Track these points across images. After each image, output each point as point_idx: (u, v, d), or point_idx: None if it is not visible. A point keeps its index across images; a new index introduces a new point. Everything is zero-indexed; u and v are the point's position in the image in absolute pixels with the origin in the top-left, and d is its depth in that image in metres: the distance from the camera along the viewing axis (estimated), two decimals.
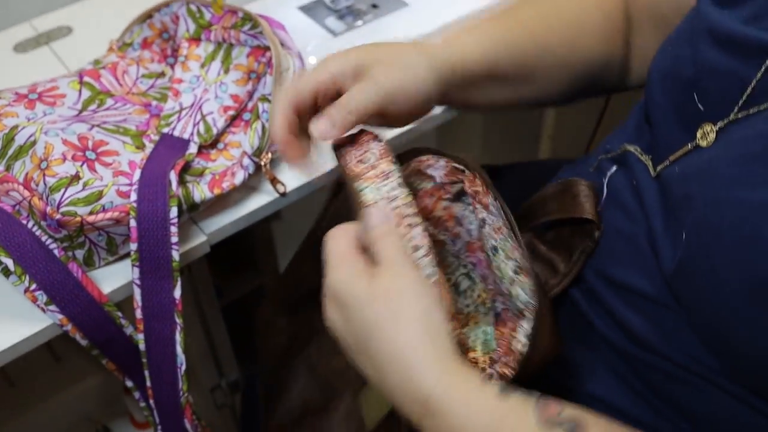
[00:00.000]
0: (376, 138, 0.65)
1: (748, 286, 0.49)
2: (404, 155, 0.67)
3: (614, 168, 0.66)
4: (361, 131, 0.66)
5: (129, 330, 0.73)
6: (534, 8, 0.74)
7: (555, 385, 0.67)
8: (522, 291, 0.58)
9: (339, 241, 0.54)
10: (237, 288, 1.29)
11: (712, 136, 0.56)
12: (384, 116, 0.65)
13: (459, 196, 0.66)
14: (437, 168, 0.66)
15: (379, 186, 0.59)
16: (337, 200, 0.69)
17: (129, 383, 0.77)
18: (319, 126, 0.61)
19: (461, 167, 0.64)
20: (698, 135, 0.57)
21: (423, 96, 0.66)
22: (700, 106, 0.58)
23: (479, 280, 0.66)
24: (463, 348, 0.61)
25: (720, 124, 0.56)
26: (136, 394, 0.78)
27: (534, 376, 0.57)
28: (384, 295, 0.50)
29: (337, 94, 0.63)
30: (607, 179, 0.66)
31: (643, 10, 0.75)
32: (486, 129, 1.64)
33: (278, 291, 0.78)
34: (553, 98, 0.78)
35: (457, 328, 0.56)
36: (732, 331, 0.51)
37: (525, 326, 0.57)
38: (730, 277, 0.50)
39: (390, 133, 0.83)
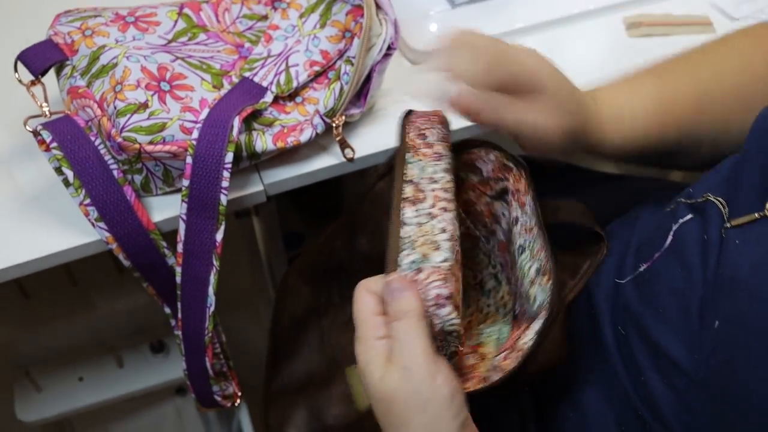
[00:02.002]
0: (444, 122, 0.66)
1: None
2: (460, 145, 0.67)
3: (689, 216, 0.59)
4: (435, 111, 0.67)
5: (171, 261, 0.75)
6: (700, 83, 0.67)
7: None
8: (541, 293, 0.58)
9: (364, 301, 0.53)
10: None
11: None
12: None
13: (501, 195, 0.66)
14: (487, 162, 0.66)
15: (426, 165, 0.60)
16: (381, 183, 0.67)
17: (167, 310, 0.80)
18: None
19: (510, 164, 0.63)
20: (767, 205, 0.51)
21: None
22: None
23: (505, 282, 0.66)
24: (476, 342, 0.63)
25: None
26: (172, 322, 0.80)
27: (534, 380, 0.57)
28: (390, 398, 0.50)
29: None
30: (677, 226, 0.60)
31: None
32: None
33: (309, 258, 0.77)
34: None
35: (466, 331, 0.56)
36: None
37: (536, 326, 0.57)
38: (753, 394, 0.45)
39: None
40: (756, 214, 0.51)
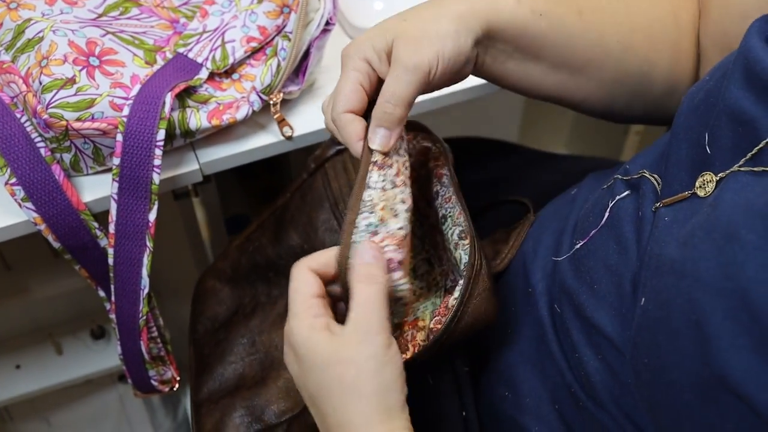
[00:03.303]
0: None
1: (692, 384, 0.44)
2: None
3: (626, 192, 0.59)
4: None
5: (104, 242, 0.73)
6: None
7: (499, 411, 0.64)
8: (465, 254, 0.60)
9: (303, 281, 0.53)
10: None
11: (711, 186, 0.49)
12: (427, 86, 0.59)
13: (429, 177, 0.66)
14: (410, 147, 0.65)
15: None
16: (312, 180, 0.66)
17: (101, 293, 0.78)
18: (377, 141, 0.56)
19: (426, 143, 0.65)
20: (697, 183, 0.51)
21: (460, 65, 0.58)
22: (708, 149, 0.51)
23: (437, 264, 0.66)
24: (413, 318, 0.63)
25: (721, 174, 0.49)
26: (106, 305, 0.78)
27: (465, 338, 0.57)
28: (346, 362, 0.50)
29: (379, 79, 0.58)
30: (614, 202, 0.60)
31: (711, 41, 0.65)
32: (575, 119, 1.57)
33: (230, 258, 0.76)
34: (595, 105, 0.67)
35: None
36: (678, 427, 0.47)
37: (461, 284, 0.58)
38: (675, 369, 0.45)
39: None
40: (686, 192, 0.51)
